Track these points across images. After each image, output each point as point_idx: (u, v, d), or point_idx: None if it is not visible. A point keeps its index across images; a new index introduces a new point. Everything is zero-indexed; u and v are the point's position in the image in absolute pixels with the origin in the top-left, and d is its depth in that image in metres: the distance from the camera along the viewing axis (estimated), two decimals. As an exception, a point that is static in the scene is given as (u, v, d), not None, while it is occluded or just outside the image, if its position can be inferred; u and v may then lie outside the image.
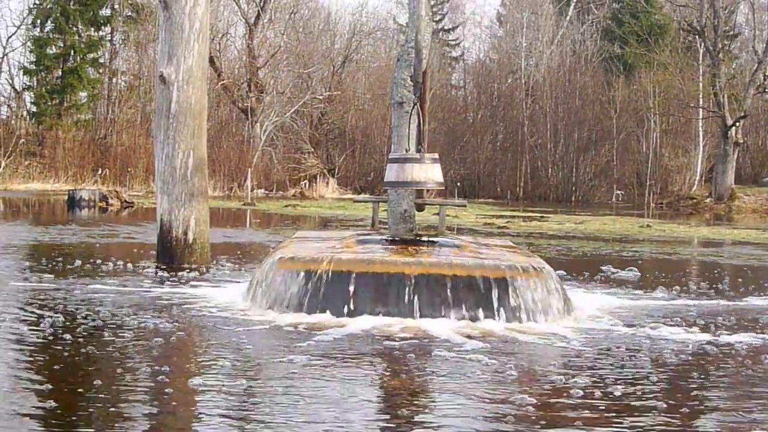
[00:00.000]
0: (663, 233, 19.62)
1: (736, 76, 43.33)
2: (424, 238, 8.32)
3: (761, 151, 49.29)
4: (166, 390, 4.52)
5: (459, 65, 57.02)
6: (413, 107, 8.46)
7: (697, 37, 41.72)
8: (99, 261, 10.10)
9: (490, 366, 5.29)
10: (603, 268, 10.93)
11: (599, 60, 49.34)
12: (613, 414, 4.32)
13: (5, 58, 41.80)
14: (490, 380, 4.98)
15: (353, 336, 6.06)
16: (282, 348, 5.63)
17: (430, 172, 8.09)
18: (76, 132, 39.56)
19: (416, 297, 6.62)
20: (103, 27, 42.73)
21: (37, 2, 41.19)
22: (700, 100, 42.12)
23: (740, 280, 10.34)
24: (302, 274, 6.81)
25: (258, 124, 40.50)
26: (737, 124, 38.51)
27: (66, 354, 5.29)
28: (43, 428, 3.87)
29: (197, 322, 6.54)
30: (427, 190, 8.90)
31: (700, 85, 42.18)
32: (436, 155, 8.32)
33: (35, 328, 6.08)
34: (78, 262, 9.97)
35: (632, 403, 4.52)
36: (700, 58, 42.48)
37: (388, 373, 5.13)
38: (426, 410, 4.44)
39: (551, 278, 7.10)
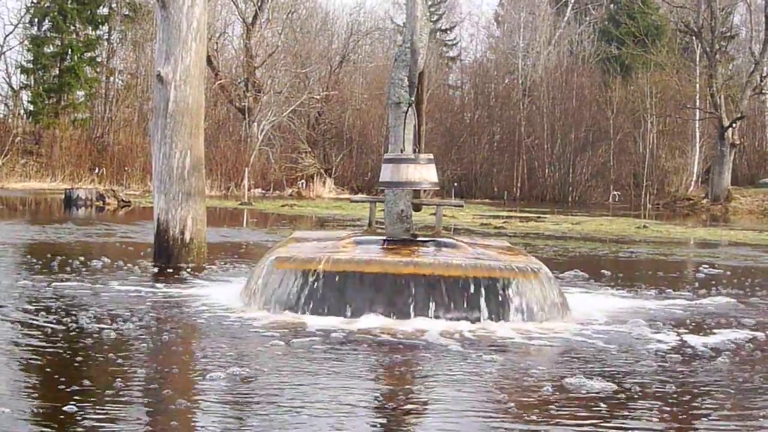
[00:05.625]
0: (660, 234, 19.64)
1: (732, 78, 43.40)
2: (421, 239, 8.33)
3: (758, 153, 49.37)
4: (162, 389, 4.53)
5: (456, 65, 57.08)
6: (409, 107, 8.47)
7: (694, 38, 41.79)
8: (95, 260, 10.10)
9: (485, 365, 5.30)
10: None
11: (596, 60, 49.39)
12: (608, 414, 4.34)
13: (2, 56, 41.82)
14: (485, 379, 4.99)
15: (349, 335, 6.07)
16: (278, 347, 5.64)
17: (424, 173, 8.09)
18: (73, 131, 39.55)
19: (412, 297, 6.63)
20: (100, 26, 42.76)
21: (35, 1, 41.18)
22: (697, 101, 42.19)
23: (738, 280, 10.36)
24: (299, 273, 6.81)
25: (255, 123, 40.50)
26: (734, 125, 38.57)
27: (61, 353, 5.30)
28: (37, 428, 3.87)
29: (194, 321, 6.55)
30: (424, 191, 8.91)
31: (697, 86, 42.26)
32: (431, 155, 8.33)
33: (29, 327, 6.08)
34: (74, 261, 9.97)
35: (627, 403, 4.53)
36: (697, 59, 42.56)
37: (383, 372, 5.15)
38: (421, 409, 4.45)
39: (548, 279, 7.11)
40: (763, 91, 42.98)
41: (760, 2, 41.88)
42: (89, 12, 41.29)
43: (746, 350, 6.05)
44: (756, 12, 42.54)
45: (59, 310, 6.75)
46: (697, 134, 43.60)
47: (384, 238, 8.28)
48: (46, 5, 40.87)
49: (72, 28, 41.20)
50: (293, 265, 6.94)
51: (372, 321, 6.46)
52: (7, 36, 41.70)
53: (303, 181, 40.43)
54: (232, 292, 7.86)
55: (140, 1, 41.86)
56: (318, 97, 43.58)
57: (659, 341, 6.22)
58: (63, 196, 25.19)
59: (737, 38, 49.91)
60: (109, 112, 41.78)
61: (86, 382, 4.62)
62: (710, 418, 4.36)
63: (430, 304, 6.62)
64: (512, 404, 4.46)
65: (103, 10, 42.55)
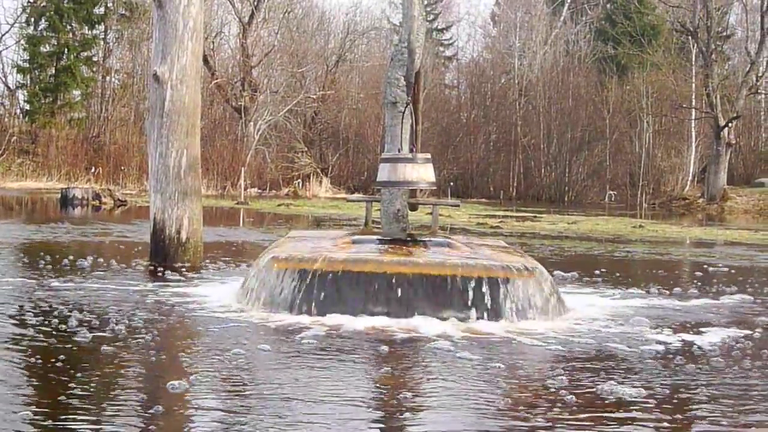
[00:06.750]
0: (655, 233, 19.66)
1: (728, 77, 43.44)
2: (417, 238, 8.33)
3: (753, 152, 49.42)
4: (158, 390, 4.52)
5: (452, 65, 57.08)
6: (406, 107, 8.48)
7: (690, 37, 41.81)
8: (91, 259, 10.09)
9: (481, 365, 5.31)
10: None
11: (592, 60, 49.43)
12: (603, 414, 4.35)
13: (-1, 56, 41.77)
14: (480, 379, 5.00)
15: (346, 335, 6.07)
16: (275, 347, 5.64)
17: (422, 172, 8.11)
18: (69, 130, 39.53)
19: (408, 296, 6.63)
20: (96, 25, 42.73)
21: (31, 0, 41.12)
22: (693, 100, 42.21)
23: (743, 278, 10.37)
24: (296, 273, 6.81)
25: (251, 123, 40.48)
26: (730, 124, 38.60)
27: (55, 353, 5.28)
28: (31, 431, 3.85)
29: (189, 321, 6.54)
30: (420, 190, 8.92)
31: (693, 85, 42.28)
32: (429, 155, 8.34)
33: (24, 327, 6.06)
34: (70, 261, 9.96)
35: (622, 403, 4.54)
36: (693, 58, 42.59)
37: (380, 373, 5.14)
38: (417, 409, 4.45)
39: (544, 278, 7.12)
40: (759, 91, 43.03)
41: (756, 2, 41.92)
42: (85, 11, 41.25)
43: None
44: (752, 12, 42.58)
45: (52, 309, 6.72)
46: (693, 134, 43.63)
47: (380, 237, 8.29)
48: (42, 5, 40.81)
49: (68, 27, 41.15)
50: (289, 265, 6.93)
51: (368, 321, 6.45)
52: (3, 35, 41.67)
53: (299, 180, 40.43)
54: (228, 292, 7.85)
55: (136, 1, 41.82)
56: (314, 96, 43.59)
57: (659, 342, 6.21)
58: (59, 196, 25.17)
59: (733, 38, 49.97)
60: (105, 112, 41.75)
61: (77, 384, 4.59)
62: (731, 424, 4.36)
63: (427, 303, 6.62)
64: (504, 403, 4.47)
65: (100, 10, 42.50)
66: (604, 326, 6.77)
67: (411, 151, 8.46)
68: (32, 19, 41.40)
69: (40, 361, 5.07)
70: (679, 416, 4.31)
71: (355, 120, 45.82)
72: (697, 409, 4.47)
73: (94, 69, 42.69)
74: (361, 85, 47.06)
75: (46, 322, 6.18)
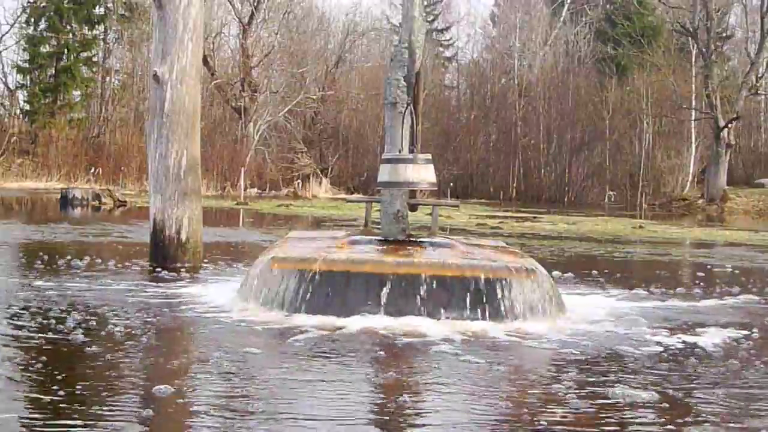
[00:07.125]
0: (655, 234, 19.66)
1: (728, 78, 43.42)
2: (417, 239, 8.32)
3: (753, 153, 49.44)
4: (156, 391, 4.50)
5: (452, 65, 57.09)
6: (406, 108, 8.46)
7: (689, 38, 41.82)
8: (91, 260, 10.08)
9: (478, 366, 5.29)
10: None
11: (592, 61, 49.44)
12: (602, 414, 4.33)
13: (-1, 56, 41.78)
14: (478, 380, 4.98)
15: (345, 336, 6.06)
16: (274, 348, 5.63)
17: (423, 173, 8.10)
18: (69, 130, 39.55)
19: (408, 298, 6.62)
20: (96, 26, 42.78)
21: (31, 1, 41.14)
22: (693, 101, 42.21)
23: (745, 279, 10.35)
24: (295, 273, 6.80)
25: (251, 123, 40.49)
26: (729, 125, 38.59)
27: (53, 354, 5.26)
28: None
29: (189, 321, 6.53)
30: (420, 191, 8.91)
31: (693, 86, 42.28)
32: (429, 156, 8.33)
33: (21, 327, 6.05)
34: (70, 261, 9.94)
35: (621, 404, 4.53)
36: (693, 59, 42.59)
37: (379, 373, 5.13)
38: (415, 410, 4.44)
39: (543, 279, 7.10)
40: (759, 92, 43.03)
41: (756, 2, 41.92)
42: (86, 12, 41.29)
43: None
44: (751, 12, 42.57)
45: (50, 310, 6.69)
46: (693, 135, 43.64)
47: (380, 238, 8.27)
48: (42, 5, 40.84)
49: (68, 27, 41.19)
50: (289, 265, 6.92)
51: (368, 321, 6.44)
52: (3, 35, 41.69)
53: (299, 181, 40.44)
54: (228, 292, 7.83)
55: (136, 1, 41.84)
56: (314, 97, 43.60)
57: (665, 344, 6.18)
58: (59, 196, 25.16)
59: (733, 39, 49.99)
60: (105, 112, 41.80)
61: (75, 385, 4.56)
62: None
63: (426, 304, 6.60)
64: (503, 404, 4.45)
65: (100, 10, 42.54)
66: (606, 327, 6.75)
67: (411, 151, 8.44)
68: (32, 20, 41.41)
69: (32, 361, 5.05)
70: (690, 420, 4.29)
71: (355, 120, 45.86)
72: (708, 413, 4.45)
73: (94, 69, 42.73)
74: (361, 86, 47.07)
75: (44, 323, 6.17)
